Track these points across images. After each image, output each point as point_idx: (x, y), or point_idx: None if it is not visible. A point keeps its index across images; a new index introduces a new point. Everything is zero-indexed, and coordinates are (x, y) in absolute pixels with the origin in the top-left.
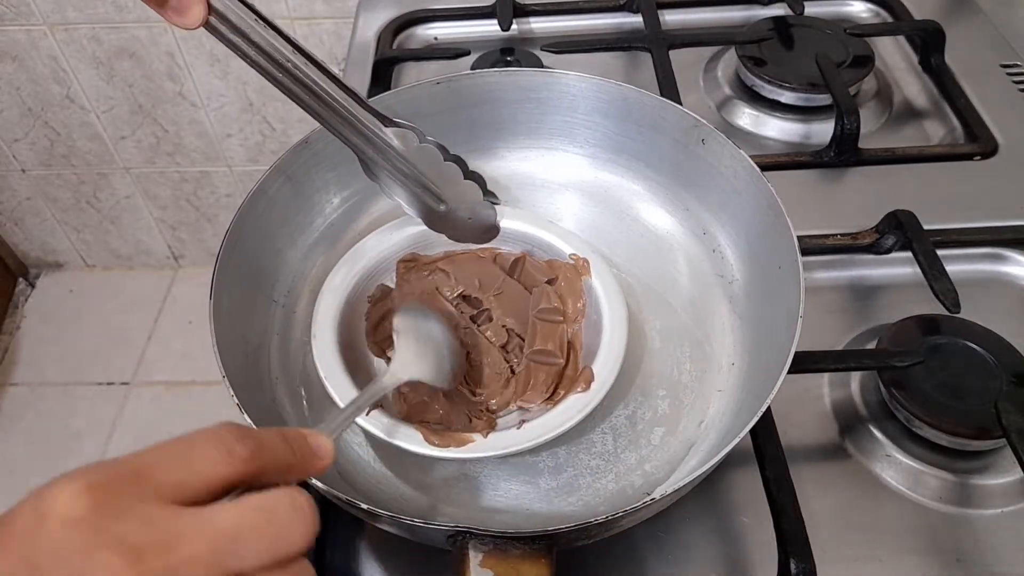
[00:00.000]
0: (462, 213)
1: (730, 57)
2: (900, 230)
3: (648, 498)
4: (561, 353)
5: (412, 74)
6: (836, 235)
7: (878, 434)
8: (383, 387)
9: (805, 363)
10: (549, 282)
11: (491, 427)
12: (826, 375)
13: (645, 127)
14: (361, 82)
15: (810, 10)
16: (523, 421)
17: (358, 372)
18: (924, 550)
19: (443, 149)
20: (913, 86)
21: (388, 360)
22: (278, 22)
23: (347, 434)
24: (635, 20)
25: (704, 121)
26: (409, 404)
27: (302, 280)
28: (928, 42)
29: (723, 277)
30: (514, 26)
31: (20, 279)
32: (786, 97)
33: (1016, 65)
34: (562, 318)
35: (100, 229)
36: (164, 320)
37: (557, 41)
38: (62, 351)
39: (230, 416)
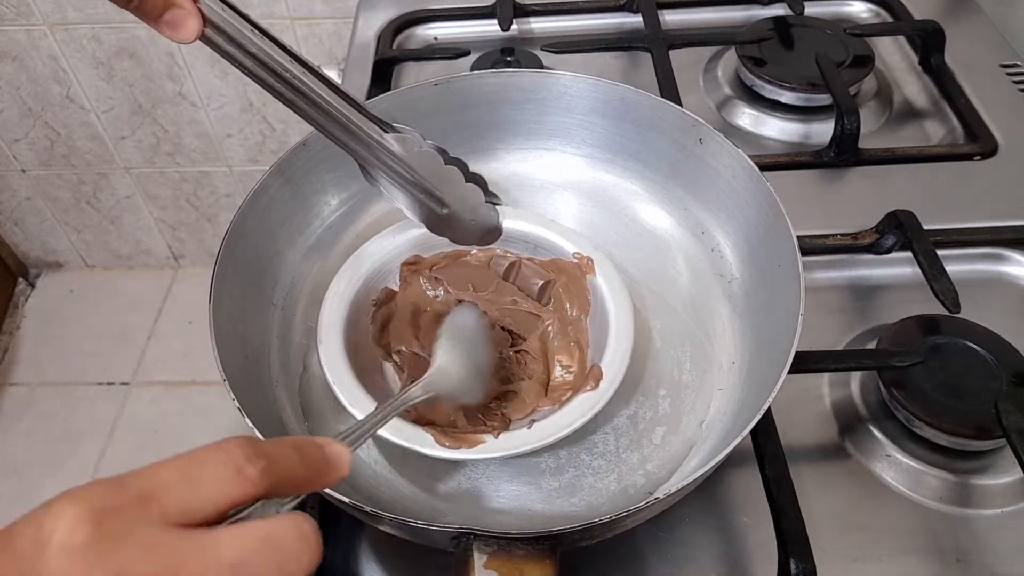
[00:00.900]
0: (464, 216)
1: (730, 57)
2: (900, 230)
3: (651, 498)
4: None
5: (412, 74)
6: (836, 235)
7: (878, 434)
8: (411, 397)
9: (805, 363)
10: (547, 283)
11: (504, 427)
12: (826, 375)
13: (643, 127)
14: (361, 82)
15: (810, 10)
16: (533, 421)
17: (365, 376)
18: (924, 550)
19: (443, 152)
20: (913, 86)
21: (395, 363)
22: (278, 22)
23: None
24: (635, 20)
25: (702, 121)
26: (417, 407)
27: (301, 282)
28: (928, 42)
29: (722, 276)
30: (514, 26)
31: (20, 279)
32: (786, 97)
33: (1016, 65)
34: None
35: (100, 229)
36: (164, 320)
37: (557, 41)
38: (62, 351)
39: (230, 417)
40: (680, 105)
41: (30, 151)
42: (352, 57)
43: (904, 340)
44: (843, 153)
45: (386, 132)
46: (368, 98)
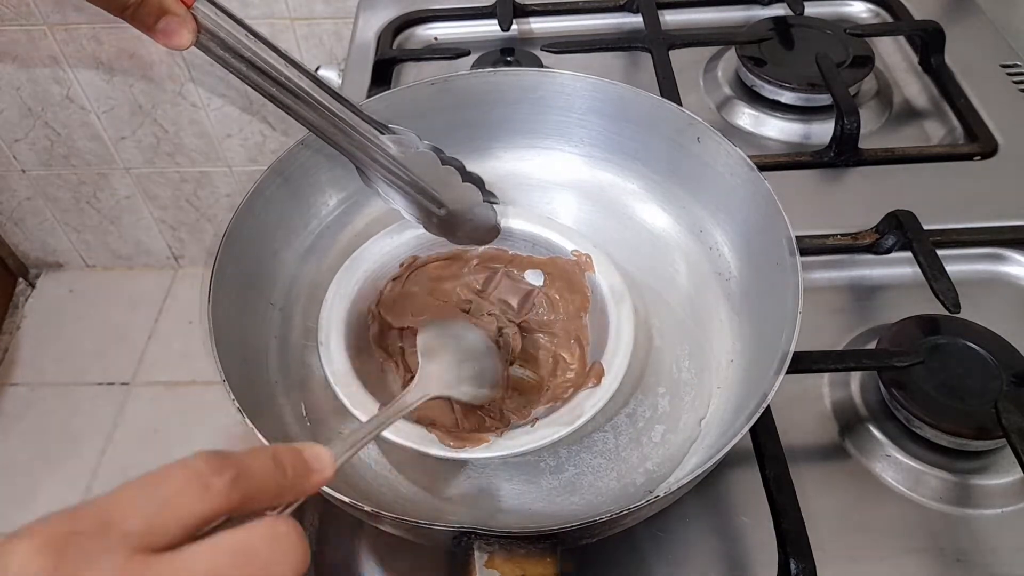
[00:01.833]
0: (462, 215)
1: (730, 57)
2: (900, 230)
3: (652, 496)
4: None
5: (412, 74)
6: (836, 235)
7: (878, 434)
8: (406, 405)
9: (805, 363)
10: (529, 293)
11: (505, 426)
12: (826, 375)
13: (640, 126)
14: (361, 82)
15: (810, 10)
16: (536, 419)
17: (368, 378)
18: (924, 550)
19: (440, 153)
20: (913, 86)
21: (396, 365)
22: (278, 22)
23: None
24: (635, 20)
25: (699, 119)
26: (418, 409)
27: (299, 283)
28: (928, 42)
29: (720, 275)
30: (514, 26)
31: (20, 279)
32: (786, 97)
33: (1016, 65)
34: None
35: (100, 229)
36: (164, 320)
37: (557, 41)
38: (62, 351)
39: (230, 417)
40: (680, 105)
41: (30, 151)
42: (352, 57)
43: (904, 340)
44: (843, 153)
45: (382, 134)
46: (367, 98)
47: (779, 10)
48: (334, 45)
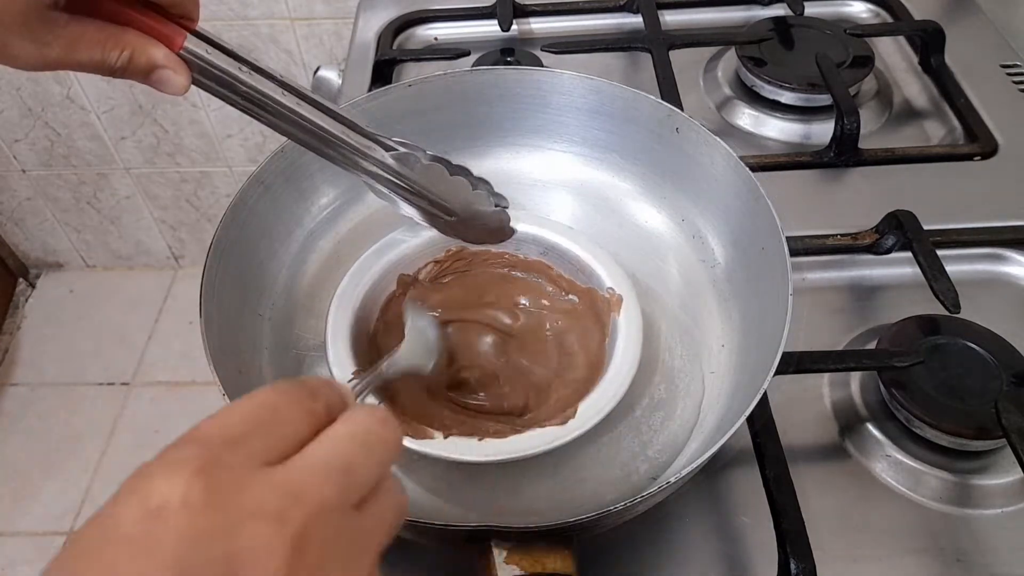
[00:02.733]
0: (472, 219)
1: (730, 57)
2: (900, 230)
3: (663, 482)
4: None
5: (412, 75)
6: (836, 235)
7: (878, 434)
8: (382, 373)
9: (805, 363)
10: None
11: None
12: (826, 375)
13: (619, 119)
14: (361, 83)
15: (810, 10)
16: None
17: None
18: (924, 550)
19: (446, 163)
20: (913, 86)
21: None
22: (278, 22)
23: None
24: (635, 20)
25: (677, 110)
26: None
27: (286, 291)
28: (928, 42)
29: (705, 262)
30: (514, 26)
31: (20, 279)
32: (786, 97)
33: (1016, 65)
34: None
35: (100, 229)
36: (164, 320)
37: (557, 41)
38: (62, 351)
39: None
40: (681, 106)
41: (30, 151)
42: (352, 58)
43: (904, 340)
44: (843, 153)
45: (387, 151)
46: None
47: (779, 10)
48: (334, 45)
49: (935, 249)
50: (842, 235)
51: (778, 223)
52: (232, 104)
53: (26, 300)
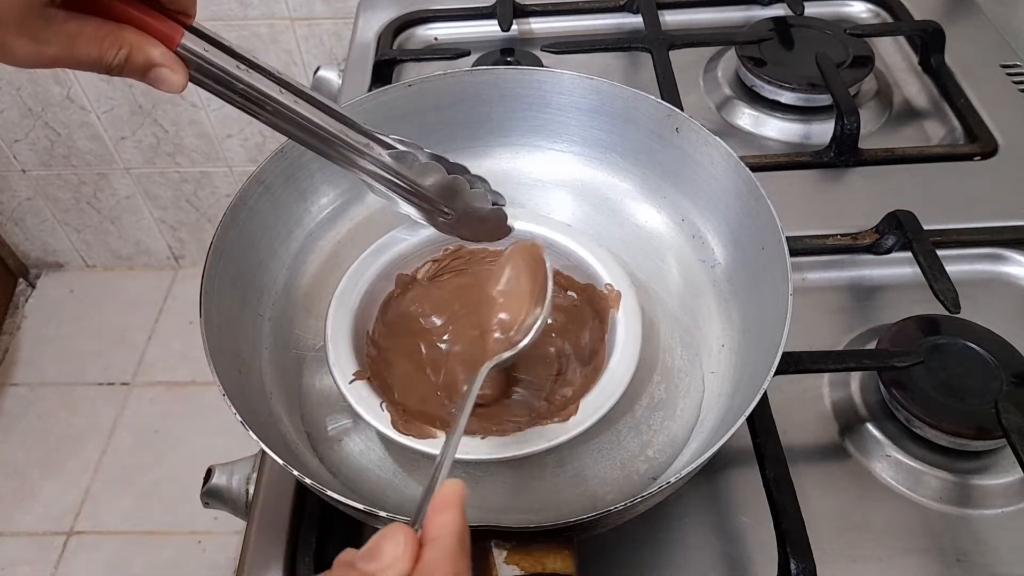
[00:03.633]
0: (470, 217)
1: (730, 57)
2: (900, 230)
3: (663, 482)
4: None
5: (412, 75)
6: (836, 235)
7: (878, 434)
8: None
9: (805, 363)
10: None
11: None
12: (826, 375)
13: (619, 119)
14: (361, 83)
15: (810, 10)
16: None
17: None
18: (924, 550)
19: (444, 161)
20: (913, 86)
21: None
22: (278, 23)
23: (350, 444)
24: (635, 20)
25: (677, 110)
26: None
27: (285, 291)
28: (928, 42)
29: (705, 262)
30: (514, 26)
31: (20, 279)
32: (786, 97)
33: (1016, 65)
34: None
35: (100, 229)
36: (164, 320)
37: (557, 41)
38: (62, 351)
39: (230, 419)
40: (681, 106)
41: (30, 151)
42: (352, 58)
43: (904, 340)
44: (843, 153)
45: (386, 150)
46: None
47: (779, 10)
48: (334, 45)
49: (935, 249)
50: (842, 235)
51: (778, 223)
52: (230, 102)
53: (26, 300)
